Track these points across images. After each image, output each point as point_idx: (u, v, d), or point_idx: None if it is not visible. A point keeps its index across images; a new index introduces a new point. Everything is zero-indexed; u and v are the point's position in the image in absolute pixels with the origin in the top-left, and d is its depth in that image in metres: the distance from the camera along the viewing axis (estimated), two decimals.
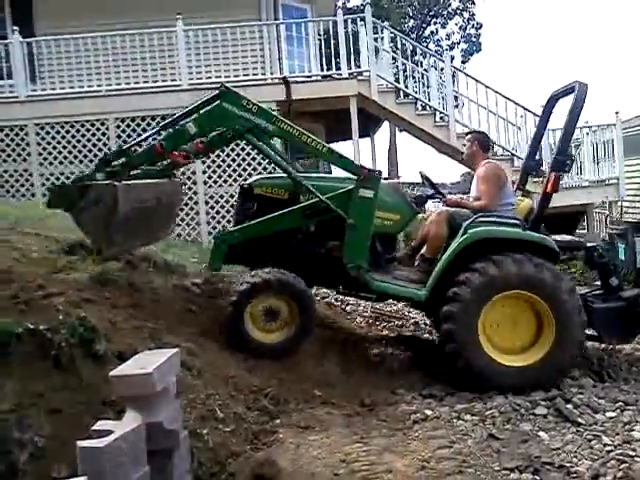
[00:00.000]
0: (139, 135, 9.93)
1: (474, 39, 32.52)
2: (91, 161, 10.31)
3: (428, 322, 6.61)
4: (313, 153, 5.31)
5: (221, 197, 10.48)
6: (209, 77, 10.78)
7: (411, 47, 11.98)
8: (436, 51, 27.08)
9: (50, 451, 2.68)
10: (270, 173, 9.84)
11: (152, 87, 10.83)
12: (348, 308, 7.08)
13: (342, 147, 15.95)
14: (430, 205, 5.96)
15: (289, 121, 5.07)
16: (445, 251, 4.98)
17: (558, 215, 5.45)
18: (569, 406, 4.35)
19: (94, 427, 2.28)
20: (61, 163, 10.56)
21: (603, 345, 5.64)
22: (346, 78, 11.05)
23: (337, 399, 4.43)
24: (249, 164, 10.37)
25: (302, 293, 4.78)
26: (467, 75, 11.81)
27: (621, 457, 3.59)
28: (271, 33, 12.06)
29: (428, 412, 4.29)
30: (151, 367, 2.47)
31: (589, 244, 5.64)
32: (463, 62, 31.68)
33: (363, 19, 11.26)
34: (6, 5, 12.33)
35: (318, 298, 6.68)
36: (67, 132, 10.59)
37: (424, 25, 32.58)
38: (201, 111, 5.00)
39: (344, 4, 28.55)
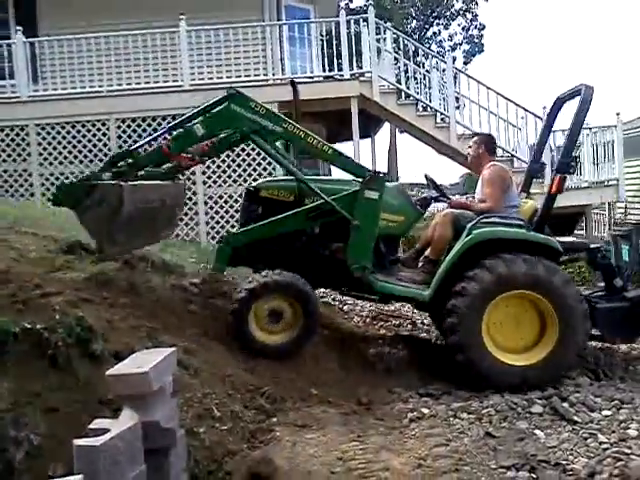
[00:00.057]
0: (140, 136, 10.00)
1: (476, 40, 32.43)
2: (91, 161, 10.35)
3: (425, 321, 6.61)
4: (319, 155, 5.28)
5: (220, 197, 10.50)
6: (211, 78, 10.81)
7: (413, 48, 11.93)
8: (438, 52, 27.17)
9: (46, 450, 2.69)
10: (270, 174, 9.92)
11: (154, 87, 10.85)
12: (345, 307, 7.09)
13: (343, 148, 15.90)
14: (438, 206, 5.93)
15: (295, 123, 5.08)
16: (449, 252, 4.99)
17: (556, 216, 5.44)
18: (565, 404, 4.36)
19: (90, 426, 2.28)
20: (61, 163, 10.58)
21: (600, 344, 5.63)
22: (348, 79, 11.05)
23: (334, 398, 4.43)
24: (249, 164, 10.39)
25: (308, 295, 4.79)
26: (469, 76, 11.79)
27: (617, 455, 3.60)
28: (274, 34, 12.08)
29: (425, 410, 4.30)
30: (148, 366, 2.47)
31: (592, 245, 5.65)
32: (465, 63, 31.63)
33: (366, 20, 11.26)
34: (10, 6, 12.38)
35: None
36: (68, 132, 10.61)
37: (427, 26, 32.49)
38: (208, 113, 5.01)
39: (347, 5, 28.59)
